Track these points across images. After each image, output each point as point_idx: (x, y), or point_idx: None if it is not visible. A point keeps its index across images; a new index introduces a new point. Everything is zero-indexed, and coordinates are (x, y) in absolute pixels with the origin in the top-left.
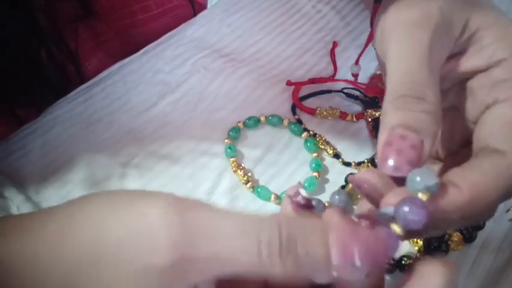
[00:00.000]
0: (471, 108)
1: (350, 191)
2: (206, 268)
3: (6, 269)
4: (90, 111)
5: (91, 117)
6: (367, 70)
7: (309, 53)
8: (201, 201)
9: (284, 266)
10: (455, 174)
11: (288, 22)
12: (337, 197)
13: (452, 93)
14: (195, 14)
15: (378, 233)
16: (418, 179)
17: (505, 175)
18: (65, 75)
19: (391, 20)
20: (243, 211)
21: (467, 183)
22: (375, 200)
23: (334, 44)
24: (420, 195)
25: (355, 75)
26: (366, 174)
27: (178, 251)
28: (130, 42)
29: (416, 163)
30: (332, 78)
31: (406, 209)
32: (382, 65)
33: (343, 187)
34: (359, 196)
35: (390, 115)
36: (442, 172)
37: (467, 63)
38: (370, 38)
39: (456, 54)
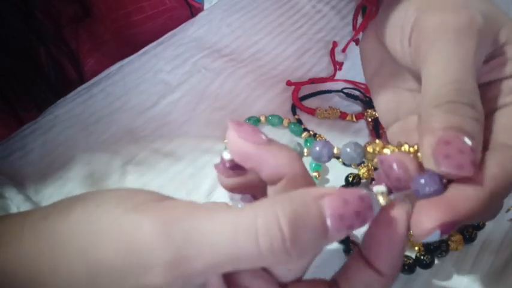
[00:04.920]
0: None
1: (367, 151)
2: (207, 273)
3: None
4: (90, 111)
5: (91, 117)
6: None
7: (309, 53)
8: (190, 205)
9: (288, 251)
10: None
11: (288, 22)
12: (348, 149)
13: None
14: (192, 16)
15: (364, 196)
16: (422, 181)
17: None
18: (65, 75)
19: (434, 22)
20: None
21: (488, 174)
22: (395, 182)
23: (334, 44)
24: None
25: (340, 64)
26: (401, 156)
27: (172, 270)
28: (127, 43)
29: (476, 165)
30: (332, 78)
31: (422, 181)
32: (367, 60)
33: (346, 180)
34: (372, 162)
35: (440, 117)
36: None
37: (488, 74)
38: (359, 30)
39: None
